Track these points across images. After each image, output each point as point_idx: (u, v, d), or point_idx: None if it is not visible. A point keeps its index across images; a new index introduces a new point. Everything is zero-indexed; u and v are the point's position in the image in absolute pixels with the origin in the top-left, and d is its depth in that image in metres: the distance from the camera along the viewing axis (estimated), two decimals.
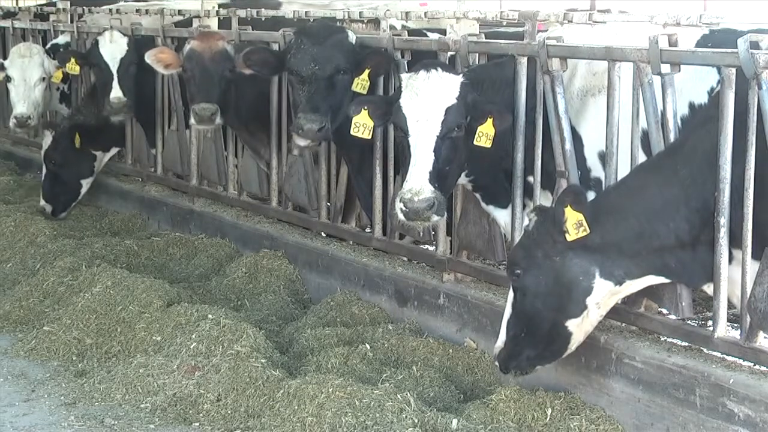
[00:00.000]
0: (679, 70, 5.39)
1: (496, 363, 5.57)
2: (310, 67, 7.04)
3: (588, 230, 5.16)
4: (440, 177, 5.72)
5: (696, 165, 5.14)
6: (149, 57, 8.55)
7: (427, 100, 5.80)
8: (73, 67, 10.15)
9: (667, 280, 5.31)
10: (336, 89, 7.02)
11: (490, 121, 5.85)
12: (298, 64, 7.10)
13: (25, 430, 5.83)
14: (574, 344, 5.43)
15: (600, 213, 5.25)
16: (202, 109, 8.01)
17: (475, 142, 5.85)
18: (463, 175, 6.18)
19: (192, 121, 8.19)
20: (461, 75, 5.96)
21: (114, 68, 9.57)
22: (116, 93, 9.46)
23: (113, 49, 9.64)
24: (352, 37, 7.24)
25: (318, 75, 7.01)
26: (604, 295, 5.29)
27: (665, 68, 5.37)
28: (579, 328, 5.36)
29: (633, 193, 5.27)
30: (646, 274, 5.28)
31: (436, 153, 5.72)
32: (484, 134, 5.85)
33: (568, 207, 5.17)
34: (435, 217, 5.66)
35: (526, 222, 5.45)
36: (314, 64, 7.04)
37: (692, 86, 5.65)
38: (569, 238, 5.18)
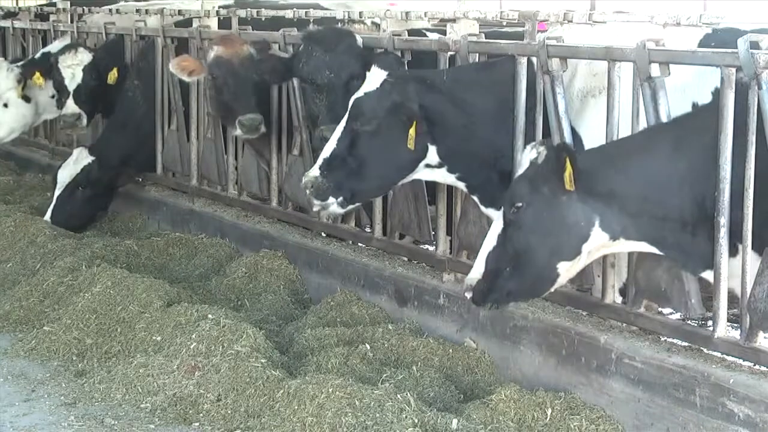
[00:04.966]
0: (669, 74, 5.39)
1: (467, 294, 5.38)
2: (325, 75, 7.02)
3: (573, 188, 5.10)
4: (333, 167, 5.99)
5: (702, 156, 5.12)
6: (172, 65, 8.50)
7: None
8: (38, 80, 10.32)
9: (660, 253, 5.27)
10: (351, 95, 7.01)
11: (414, 124, 5.98)
12: (312, 72, 7.08)
13: (25, 430, 5.82)
14: (556, 286, 5.36)
15: (609, 162, 5.20)
16: (250, 119, 7.89)
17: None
18: (448, 173, 6.24)
19: (237, 132, 8.03)
20: (386, 73, 6.11)
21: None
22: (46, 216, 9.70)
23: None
24: (360, 41, 7.24)
25: (334, 83, 6.97)
26: (597, 245, 5.22)
27: (655, 72, 5.38)
28: (567, 272, 5.28)
29: (645, 154, 5.20)
30: (641, 239, 5.23)
31: (338, 144, 6.04)
32: (411, 137, 5.99)
33: (567, 158, 5.10)
34: (315, 201, 6.06)
35: (533, 154, 5.32)
36: (329, 71, 7.01)
37: (695, 86, 5.64)
38: (565, 186, 5.12)
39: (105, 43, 10.90)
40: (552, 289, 5.41)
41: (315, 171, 6.06)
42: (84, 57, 10.35)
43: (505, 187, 6.23)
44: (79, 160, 9.79)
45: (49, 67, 10.53)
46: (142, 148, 10.04)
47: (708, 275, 5.26)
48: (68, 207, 9.71)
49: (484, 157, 6.22)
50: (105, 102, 10.40)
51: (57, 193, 9.74)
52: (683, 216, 5.16)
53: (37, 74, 10.57)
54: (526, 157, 5.34)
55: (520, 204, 5.21)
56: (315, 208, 6.31)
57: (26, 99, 11.17)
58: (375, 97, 6.08)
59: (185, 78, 8.55)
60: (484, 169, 6.28)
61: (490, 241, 5.34)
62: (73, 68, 10.26)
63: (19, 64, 11.38)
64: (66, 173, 9.77)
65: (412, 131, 5.99)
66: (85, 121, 10.26)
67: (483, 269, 5.32)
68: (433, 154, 6.17)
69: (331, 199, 6.07)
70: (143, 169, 10.30)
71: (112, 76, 10.30)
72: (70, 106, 10.16)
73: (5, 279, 8.31)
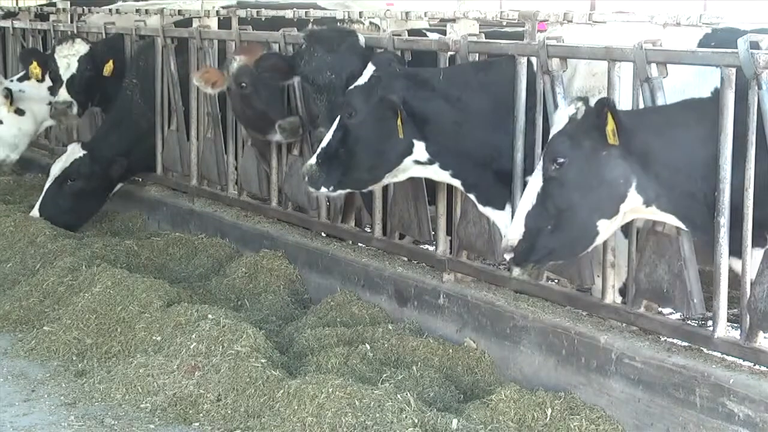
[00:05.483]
0: (667, 74, 5.39)
1: (508, 256, 5.33)
2: (326, 76, 7.03)
3: (617, 142, 5.07)
4: (327, 157, 6.23)
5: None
6: (195, 78, 8.44)
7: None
8: (35, 70, 10.31)
9: (685, 229, 5.27)
10: None
11: (399, 114, 6.10)
12: (313, 72, 7.10)
13: (25, 430, 5.82)
14: (594, 245, 5.37)
15: (649, 126, 5.18)
16: (290, 123, 7.85)
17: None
18: (441, 169, 6.30)
19: (278, 137, 7.98)
20: (374, 67, 6.31)
21: None
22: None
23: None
24: (362, 40, 7.23)
25: (334, 84, 6.98)
26: (632, 207, 5.20)
27: (654, 72, 5.38)
28: (605, 231, 5.26)
29: (683, 126, 5.19)
30: (671, 212, 5.22)
31: (333, 135, 6.26)
32: (399, 127, 6.12)
33: (609, 112, 5.06)
34: (309, 189, 6.42)
35: (571, 110, 5.27)
36: (330, 72, 7.02)
37: (695, 86, 5.64)
38: (608, 141, 5.09)
39: (105, 38, 10.90)
40: (590, 249, 5.41)
41: (312, 160, 6.32)
42: (80, 48, 10.35)
43: (502, 186, 6.27)
44: (71, 154, 9.77)
45: (46, 58, 10.55)
46: (137, 147, 9.99)
47: (733, 263, 5.24)
48: (57, 200, 9.65)
49: (478, 156, 6.26)
50: (101, 94, 10.40)
51: (46, 186, 9.74)
52: (711, 198, 5.14)
53: (34, 64, 10.57)
54: (563, 113, 5.29)
55: (562, 160, 5.16)
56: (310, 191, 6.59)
57: (20, 112, 11.19)
58: (361, 90, 6.24)
59: (208, 90, 8.47)
60: (479, 167, 6.30)
61: (528, 201, 5.29)
62: (68, 58, 10.26)
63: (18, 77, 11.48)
64: (57, 167, 9.76)
65: (399, 121, 6.09)
66: (75, 109, 10.23)
67: (523, 229, 5.26)
68: (421, 151, 6.24)
69: (323, 189, 6.35)
70: (140, 169, 10.27)
71: (108, 67, 10.28)
72: (62, 94, 10.17)
73: (5, 279, 8.31)
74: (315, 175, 6.27)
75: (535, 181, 5.29)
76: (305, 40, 7.33)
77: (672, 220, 5.28)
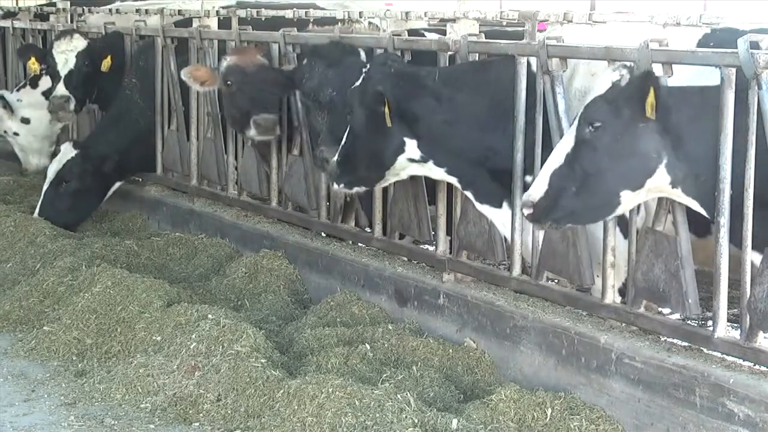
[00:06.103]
0: (672, 74, 5.39)
1: (527, 211, 5.34)
2: (327, 93, 7.04)
3: (654, 116, 5.06)
4: (343, 152, 6.38)
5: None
6: (185, 74, 8.46)
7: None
8: (33, 65, 10.32)
9: (707, 216, 5.24)
10: None
11: (387, 104, 6.19)
12: (315, 89, 7.12)
13: (25, 430, 5.82)
14: (613, 215, 5.38)
15: (690, 106, 5.16)
16: (265, 119, 7.86)
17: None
18: (436, 167, 6.34)
19: (252, 132, 7.98)
20: (368, 64, 6.55)
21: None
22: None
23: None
24: (363, 55, 7.24)
25: (335, 101, 6.98)
26: (658, 185, 5.18)
27: (657, 72, 5.38)
28: (626, 203, 5.25)
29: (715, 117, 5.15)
30: (694, 197, 5.20)
31: (348, 132, 6.41)
32: (386, 115, 6.22)
33: (651, 86, 5.04)
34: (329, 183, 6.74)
35: (615, 76, 5.26)
36: (331, 89, 7.03)
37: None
38: (646, 113, 5.07)
39: (105, 35, 10.91)
40: (609, 217, 5.44)
41: (335, 156, 6.48)
42: (78, 43, 10.35)
43: (499, 184, 6.27)
44: (64, 154, 9.78)
45: (44, 53, 10.57)
46: (133, 146, 9.98)
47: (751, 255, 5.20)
48: (56, 202, 9.66)
49: (472, 155, 6.28)
50: (99, 91, 10.40)
51: (44, 188, 9.75)
52: (739, 189, 5.08)
53: (33, 59, 10.60)
54: (607, 77, 5.27)
55: (598, 124, 5.15)
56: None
57: (26, 121, 11.23)
58: (355, 90, 6.36)
59: (197, 88, 8.51)
60: (475, 166, 6.32)
61: (555, 160, 5.28)
62: (66, 54, 10.27)
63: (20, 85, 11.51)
64: (53, 169, 9.78)
65: (386, 109, 6.17)
66: (73, 104, 10.19)
67: (546, 187, 5.27)
68: (413, 148, 6.30)
69: (335, 186, 6.57)
70: (138, 169, 10.27)
71: (106, 63, 10.27)
72: (60, 89, 10.17)
73: (5, 279, 8.31)
74: (333, 171, 6.46)
75: (566, 142, 5.28)
76: (306, 56, 7.33)
77: (695, 206, 5.26)
